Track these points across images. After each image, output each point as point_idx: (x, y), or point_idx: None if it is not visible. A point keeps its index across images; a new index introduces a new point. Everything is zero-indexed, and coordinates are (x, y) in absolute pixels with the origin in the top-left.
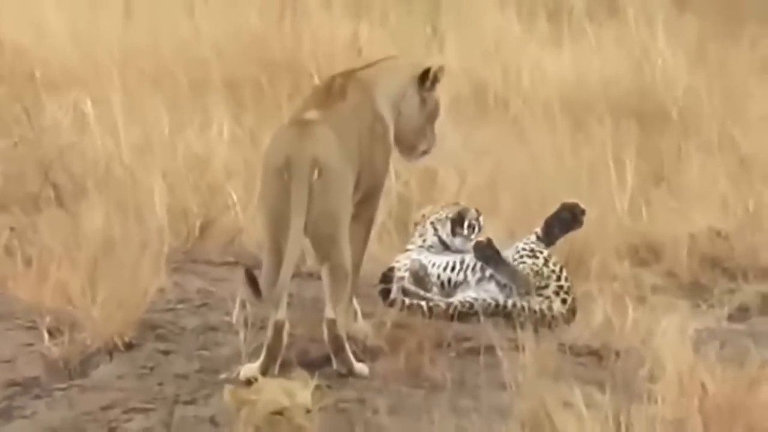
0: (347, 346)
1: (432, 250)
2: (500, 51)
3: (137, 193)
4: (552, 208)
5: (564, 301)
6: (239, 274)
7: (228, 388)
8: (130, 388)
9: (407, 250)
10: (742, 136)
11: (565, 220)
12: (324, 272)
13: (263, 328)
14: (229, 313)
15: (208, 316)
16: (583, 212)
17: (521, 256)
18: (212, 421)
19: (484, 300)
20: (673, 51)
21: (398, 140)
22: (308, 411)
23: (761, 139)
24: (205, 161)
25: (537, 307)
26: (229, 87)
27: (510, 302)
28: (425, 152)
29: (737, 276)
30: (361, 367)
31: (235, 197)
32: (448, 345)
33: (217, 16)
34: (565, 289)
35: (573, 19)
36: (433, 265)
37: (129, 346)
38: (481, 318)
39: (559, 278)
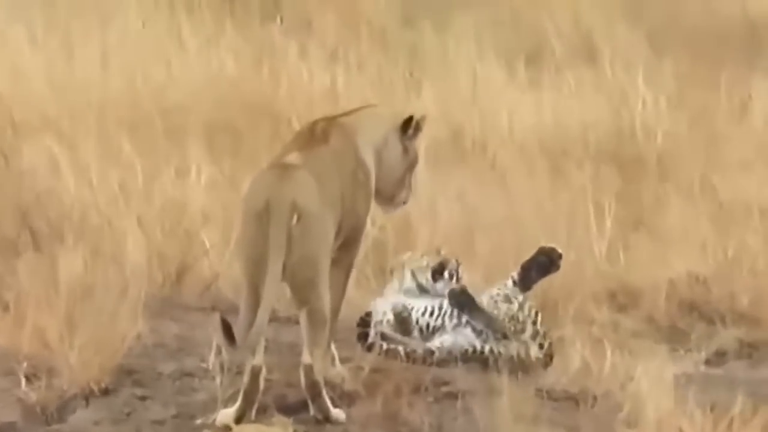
0: (324, 391)
1: (408, 294)
2: (478, 95)
3: (114, 238)
4: (529, 253)
5: (541, 346)
6: (216, 320)
7: None
8: None
9: (383, 295)
10: (721, 180)
11: (542, 264)
12: (302, 317)
13: (240, 373)
14: (205, 359)
15: (185, 361)
16: (560, 256)
17: (495, 302)
18: None
19: (461, 345)
20: (652, 96)
21: (378, 190)
22: None
23: (740, 184)
24: (182, 207)
25: (514, 352)
26: (207, 132)
27: (487, 347)
28: (404, 202)
29: (715, 320)
30: (337, 413)
31: (208, 244)
32: (426, 389)
33: (194, 62)
34: (542, 333)
35: (552, 63)
36: (412, 309)
37: (106, 392)
38: (459, 363)
39: (534, 323)
